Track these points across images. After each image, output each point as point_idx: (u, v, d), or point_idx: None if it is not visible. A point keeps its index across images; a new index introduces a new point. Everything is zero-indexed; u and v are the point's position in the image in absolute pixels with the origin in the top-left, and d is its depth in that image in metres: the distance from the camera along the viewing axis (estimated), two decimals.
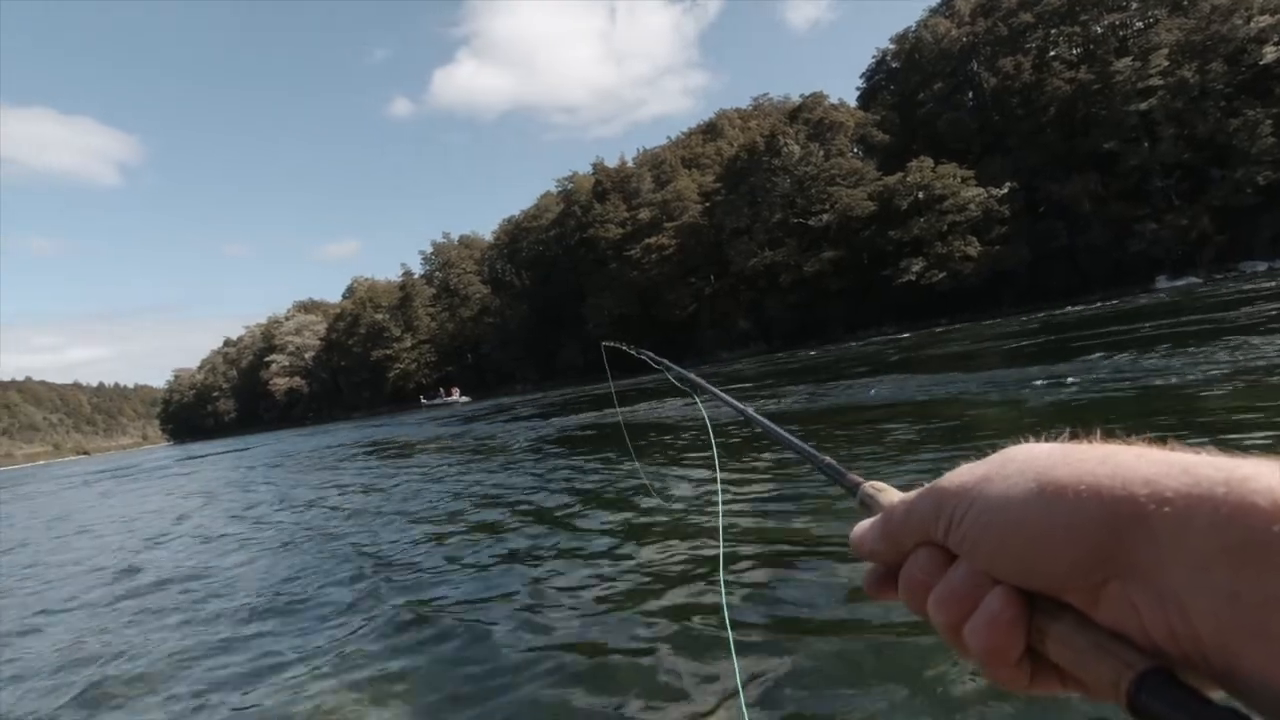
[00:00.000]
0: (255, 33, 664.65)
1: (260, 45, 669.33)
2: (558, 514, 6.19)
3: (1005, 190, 49.05)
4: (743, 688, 2.51)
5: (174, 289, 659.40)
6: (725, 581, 3.40)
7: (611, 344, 2.87)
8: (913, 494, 0.40)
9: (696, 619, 3.24)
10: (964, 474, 0.37)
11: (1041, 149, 49.70)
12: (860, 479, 0.49)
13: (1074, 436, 0.36)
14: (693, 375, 1.35)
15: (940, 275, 49.89)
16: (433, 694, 3.02)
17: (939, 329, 39.87)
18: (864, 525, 0.43)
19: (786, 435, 0.65)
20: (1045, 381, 9.18)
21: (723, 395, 1.02)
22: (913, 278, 50.85)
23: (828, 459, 0.56)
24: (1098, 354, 11.52)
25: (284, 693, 3.25)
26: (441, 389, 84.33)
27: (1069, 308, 35.40)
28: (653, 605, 3.56)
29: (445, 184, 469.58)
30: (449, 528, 6.41)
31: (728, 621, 2.43)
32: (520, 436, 15.03)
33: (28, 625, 5.22)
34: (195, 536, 8.35)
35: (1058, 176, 48.19)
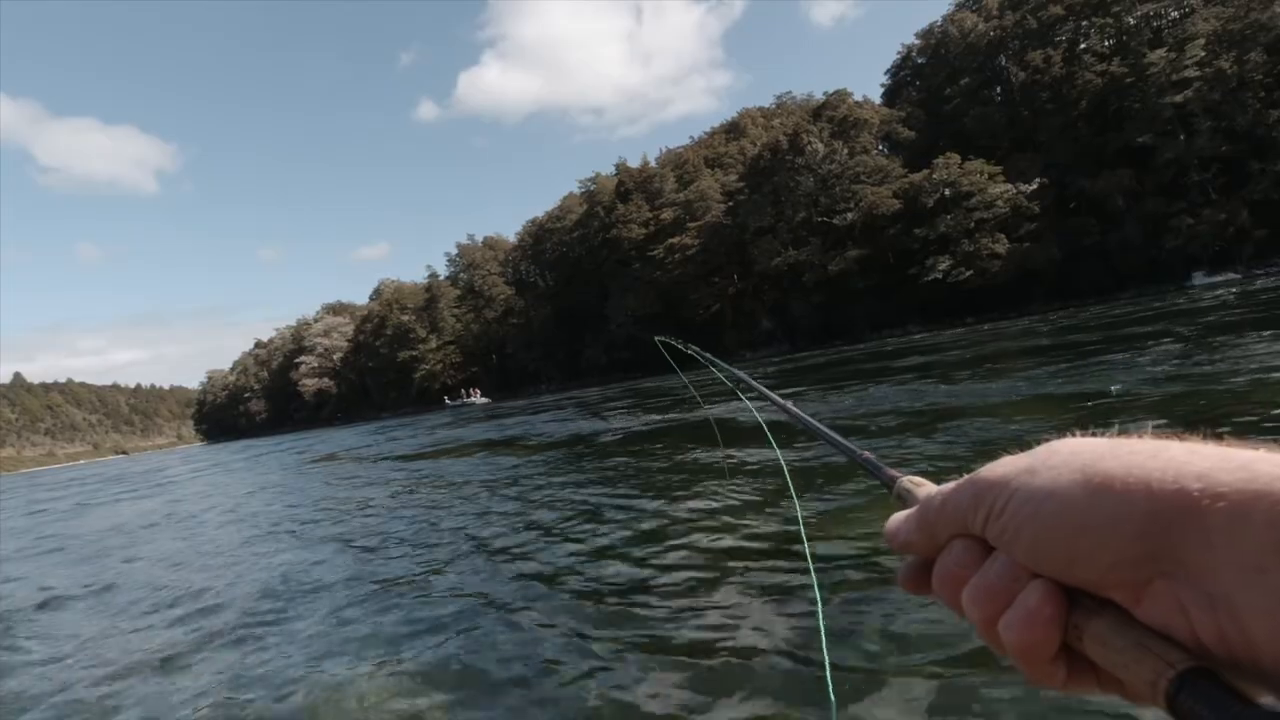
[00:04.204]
0: (281, 38, 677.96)
1: (287, 51, 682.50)
2: (628, 512, 6.34)
3: (1034, 186, 48.21)
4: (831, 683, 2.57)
5: (211, 293, 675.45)
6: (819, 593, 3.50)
7: (664, 339, 3.03)
8: (950, 484, 0.39)
9: (788, 620, 3.34)
10: (1005, 465, 0.36)
11: (1072, 144, 48.75)
12: (898, 473, 0.49)
13: (1123, 432, 0.34)
14: (740, 372, 1.43)
15: (967, 273, 49.20)
16: (483, 687, 3.17)
17: (965, 328, 39.38)
18: (899, 516, 0.42)
19: (825, 430, 0.66)
20: (1080, 386, 9.10)
21: (765, 391, 1.08)
22: (939, 276, 50.21)
23: (866, 453, 0.56)
24: (1136, 353, 11.37)
25: (370, 679, 3.42)
26: (464, 390, 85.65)
27: (1123, 305, 34.64)
28: (742, 592, 3.69)
29: (473, 186, 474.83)
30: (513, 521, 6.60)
31: (822, 628, 2.48)
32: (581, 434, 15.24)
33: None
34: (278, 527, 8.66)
35: (1089, 172, 47.22)
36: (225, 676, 3.69)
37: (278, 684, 3.47)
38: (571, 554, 5.00)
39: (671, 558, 4.51)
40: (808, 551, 3.83)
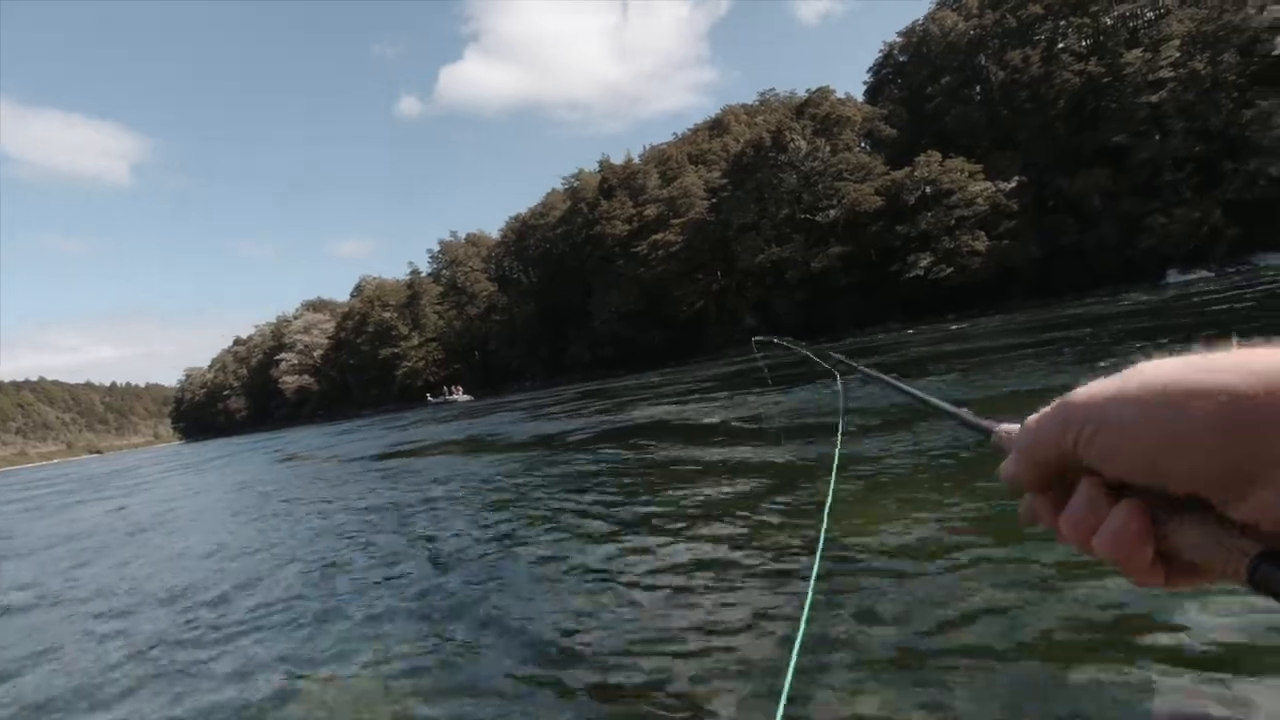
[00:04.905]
0: (259, 35, 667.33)
1: (266, 46, 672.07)
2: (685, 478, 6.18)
3: (1013, 184, 48.62)
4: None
5: (188, 290, 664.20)
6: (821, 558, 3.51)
7: (761, 338, 3.34)
8: (1041, 412, 0.40)
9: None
10: (1093, 388, 0.37)
11: (1050, 143, 49.22)
12: (994, 424, 0.50)
13: (1207, 344, 0.36)
14: (833, 354, 1.53)
15: (948, 270, 49.56)
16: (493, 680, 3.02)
17: (947, 325, 39.67)
18: (1009, 458, 0.44)
19: (917, 392, 0.69)
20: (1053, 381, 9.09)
21: (860, 366, 1.15)
22: (920, 273, 50.53)
23: (962, 410, 0.58)
24: (1104, 349, 11.42)
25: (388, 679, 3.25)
26: (446, 388, 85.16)
27: (1099, 304, 35.05)
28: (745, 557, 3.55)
29: (456, 182, 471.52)
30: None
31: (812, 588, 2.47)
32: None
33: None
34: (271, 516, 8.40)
35: (1067, 171, 47.71)
36: (165, 687, 3.50)
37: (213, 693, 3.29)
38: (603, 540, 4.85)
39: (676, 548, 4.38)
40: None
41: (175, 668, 3.79)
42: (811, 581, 2.41)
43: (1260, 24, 40.61)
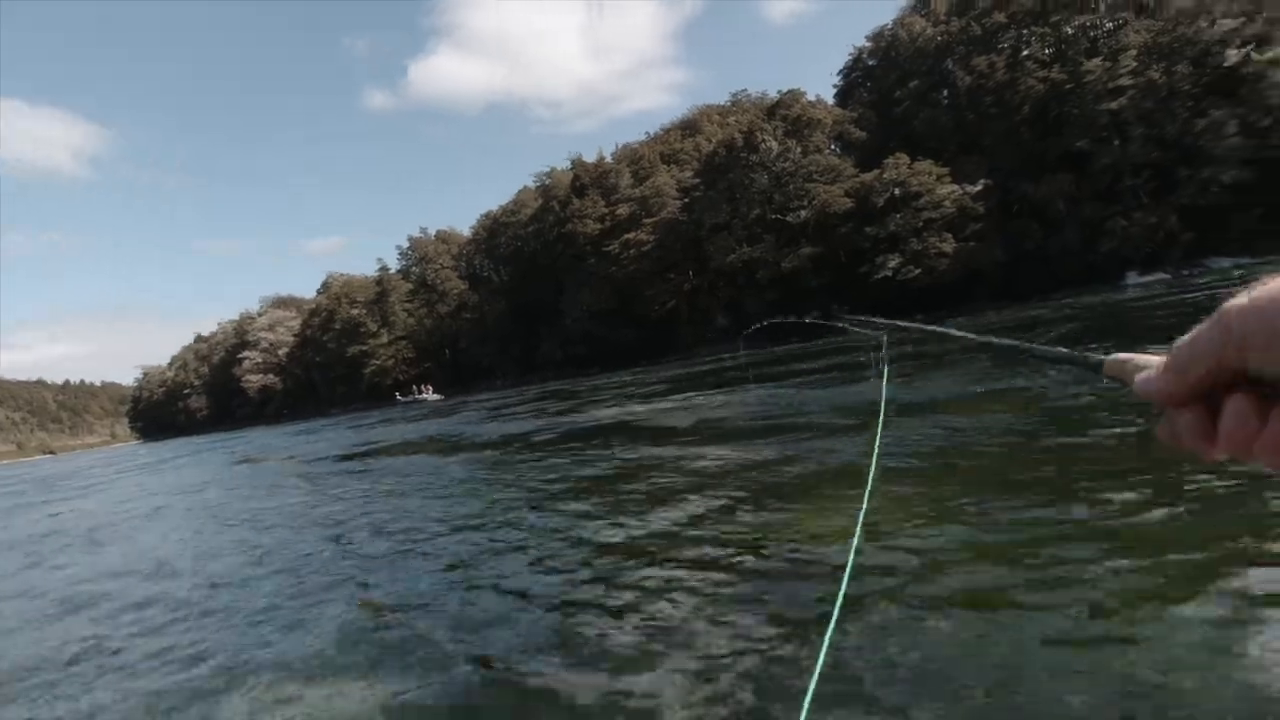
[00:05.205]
0: (230, 29, 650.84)
1: (236, 42, 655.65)
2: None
3: (980, 187, 49.57)
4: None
5: (150, 287, 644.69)
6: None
7: (758, 326, 3.30)
8: (1195, 329, 0.40)
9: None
10: (1249, 295, 0.37)
11: (1016, 148, 50.31)
12: (1102, 356, 0.50)
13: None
14: (876, 319, 1.50)
15: (915, 271, 50.33)
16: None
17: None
18: (1146, 373, 0.43)
19: (1006, 341, 0.68)
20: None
21: (915, 325, 1.17)
22: (889, 274, 51.23)
23: (1060, 349, 0.58)
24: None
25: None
26: (415, 387, 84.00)
27: (1060, 307, 35.82)
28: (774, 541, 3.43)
29: (427, 178, 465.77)
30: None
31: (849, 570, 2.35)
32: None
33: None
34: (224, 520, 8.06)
35: (1032, 176, 48.82)
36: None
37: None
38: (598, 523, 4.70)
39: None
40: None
41: (115, 667, 3.58)
42: (840, 595, 2.20)
43: (1211, 37, 42.06)
